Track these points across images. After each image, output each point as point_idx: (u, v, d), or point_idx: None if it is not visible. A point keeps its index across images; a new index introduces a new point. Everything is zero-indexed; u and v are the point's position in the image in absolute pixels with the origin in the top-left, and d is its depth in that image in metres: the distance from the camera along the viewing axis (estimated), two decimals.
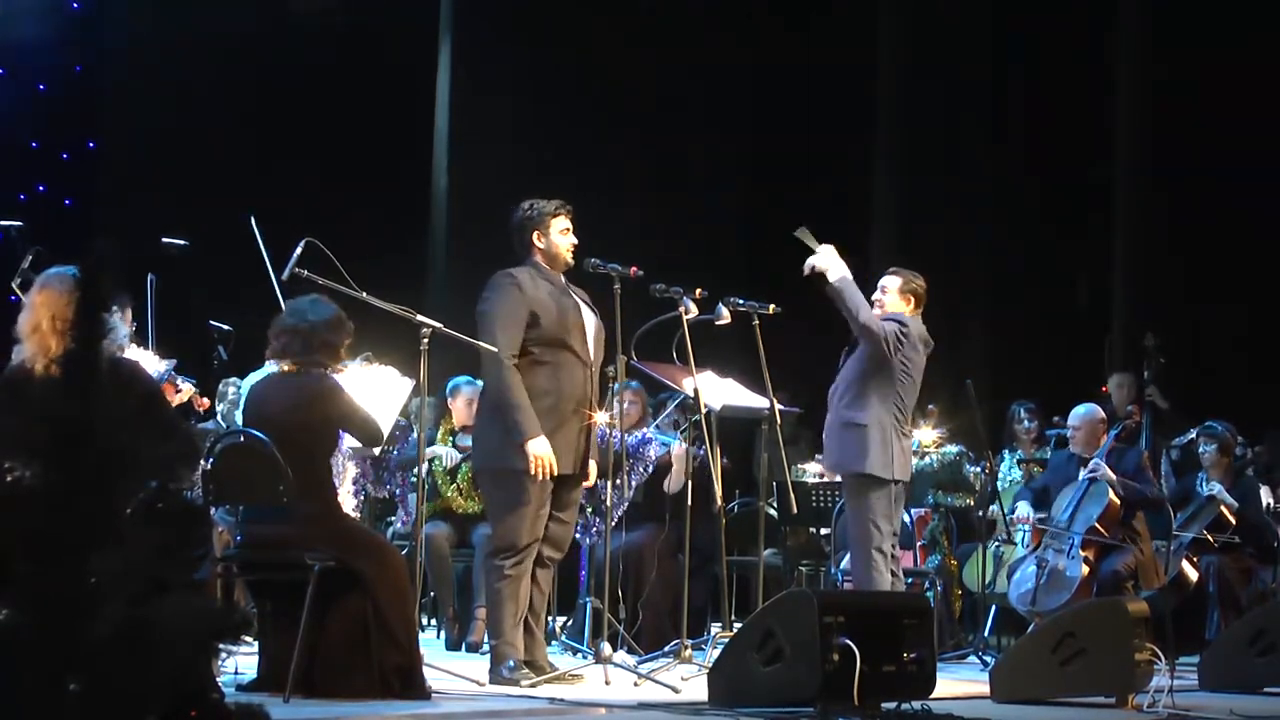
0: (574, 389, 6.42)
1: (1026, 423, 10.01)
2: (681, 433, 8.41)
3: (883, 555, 7.00)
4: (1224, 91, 11.72)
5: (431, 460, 8.29)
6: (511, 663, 6.31)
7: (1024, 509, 8.91)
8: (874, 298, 7.28)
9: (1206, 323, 11.65)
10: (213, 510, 6.44)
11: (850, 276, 7.08)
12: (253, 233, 7.04)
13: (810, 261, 7.10)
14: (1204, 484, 9.37)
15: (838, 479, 7.67)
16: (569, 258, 6.56)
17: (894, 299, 7.27)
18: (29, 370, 5.25)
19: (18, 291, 6.95)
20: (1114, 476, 8.57)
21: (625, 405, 8.24)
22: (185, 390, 7.19)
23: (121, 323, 5.82)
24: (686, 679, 6.40)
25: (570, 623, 8.59)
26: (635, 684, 6.41)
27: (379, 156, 11.30)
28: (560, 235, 6.55)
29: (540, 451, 6.25)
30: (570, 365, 6.43)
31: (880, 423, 7.02)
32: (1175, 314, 11.52)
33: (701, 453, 7.50)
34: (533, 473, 6.25)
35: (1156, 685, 6.16)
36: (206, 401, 7.76)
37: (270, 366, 6.08)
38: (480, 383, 8.05)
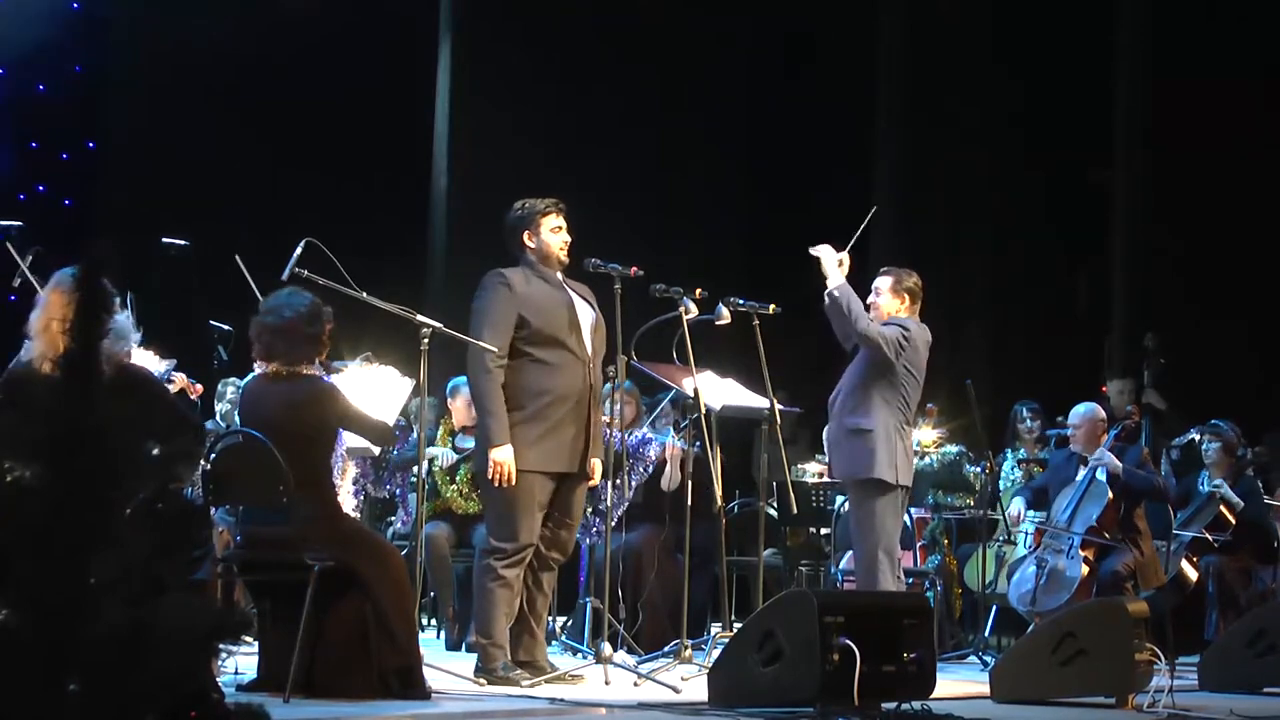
0: (571, 387, 6.40)
1: (1029, 423, 10.01)
2: (680, 432, 8.41)
3: (888, 557, 6.99)
4: (1224, 91, 11.73)
5: (430, 460, 8.30)
6: (503, 664, 6.31)
7: (1017, 505, 8.92)
8: (868, 300, 7.26)
9: (1207, 323, 11.65)
10: (213, 510, 6.44)
11: (837, 281, 7.06)
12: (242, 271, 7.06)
13: (817, 253, 7.09)
14: (1205, 483, 9.39)
15: (838, 478, 7.67)
16: (562, 255, 6.54)
17: (888, 299, 7.24)
18: (35, 369, 5.27)
19: (17, 292, 6.95)
20: (1120, 465, 8.57)
21: (618, 407, 8.25)
22: (178, 380, 7.19)
23: (132, 326, 5.81)
24: (686, 679, 6.41)
25: (570, 623, 8.59)
26: (635, 684, 6.42)
27: (379, 157, 11.31)
28: (551, 233, 6.53)
29: (501, 459, 6.24)
30: (567, 363, 6.41)
31: (885, 426, 7.00)
32: (1175, 314, 11.52)
33: (697, 448, 7.48)
34: (489, 477, 6.26)
35: (1156, 685, 6.16)
36: (199, 387, 7.74)
37: (260, 368, 6.05)
38: None
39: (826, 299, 7.07)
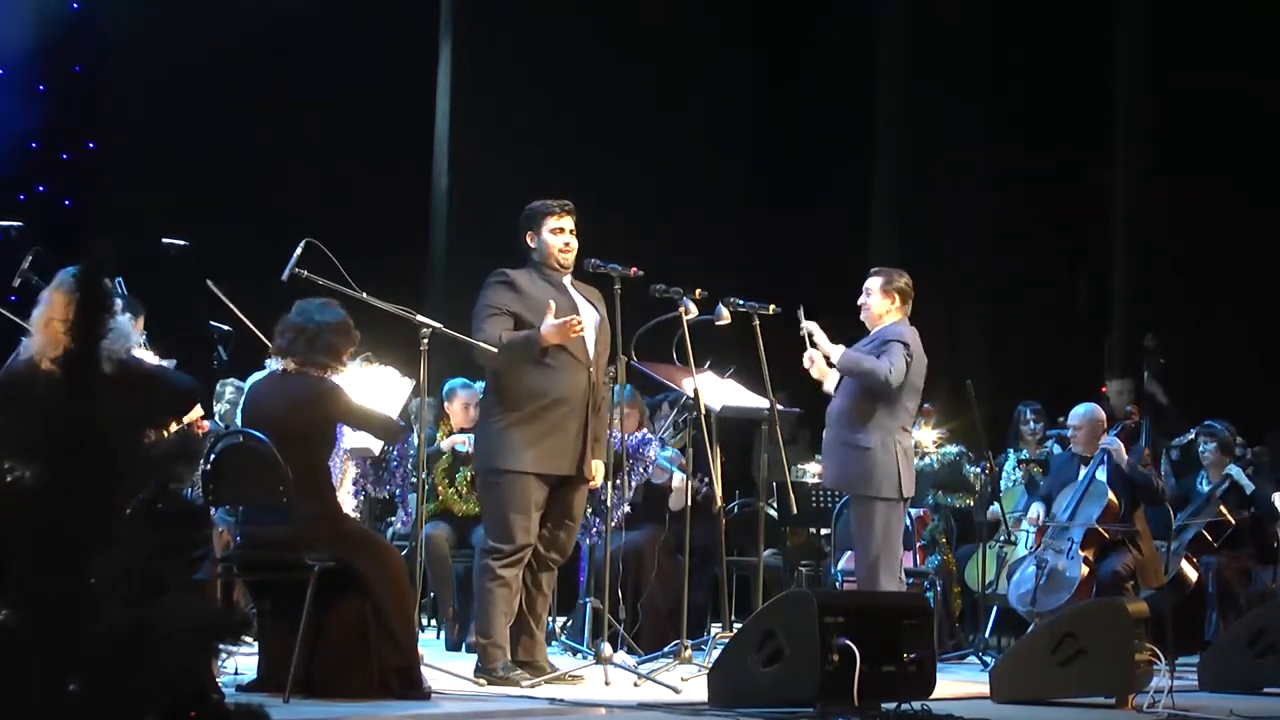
0: (571, 390, 6.38)
1: (1032, 424, 10.00)
2: (679, 434, 8.40)
3: (890, 562, 6.98)
4: (1224, 91, 11.73)
5: (445, 454, 8.24)
6: (503, 664, 6.31)
7: (1035, 509, 8.89)
8: (860, 301, 7.27)
9: (1207, 322, 11.66)
10: (213, 510, 6.44)
11: (837, 356, 7.07)
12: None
13: (809, 360, 7.16)
14: (1204, 482, 9.39)
15: (830, 486, 7.68)
16: (560, 256, 6.49)
17: (878, 299, 7.23)
18: (35, 365, 5.28)
19: (17, 292, 6.95)
20: (1126, 455, 8.58)
21: (619, 409, 8.23)
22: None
23: (132, 327, 5.81)
24: (686, 679, 6.40)
25: (570, 623, 8.59)
26: (635, 684, 6.41)
27: (379, 157, 11.30)
28: (551, 234, 6.50)
29: (557, 321, 6.21)
30: (568, 366, 6.39)
31: (884, 443, 6.98)
32: (1175, 314, 11.52)
33: (706, 488, 7.49)
34: (567, 322, 6.22)
35: (1156, 685, 6.16)
36: (207, 424, 7.74)
37: (272, 364, 6.08)
38: (475, 385, 8.03)
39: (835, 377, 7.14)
